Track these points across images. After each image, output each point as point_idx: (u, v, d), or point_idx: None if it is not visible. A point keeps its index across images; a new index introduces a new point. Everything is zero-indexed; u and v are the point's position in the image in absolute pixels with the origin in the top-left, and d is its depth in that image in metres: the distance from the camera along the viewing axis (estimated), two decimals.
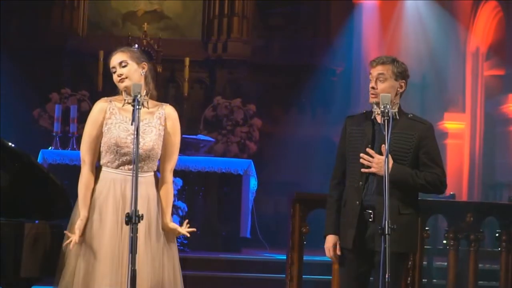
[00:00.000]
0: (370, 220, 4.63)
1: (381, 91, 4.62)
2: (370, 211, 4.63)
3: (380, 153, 4.58)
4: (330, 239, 4.79)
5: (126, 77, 4.66)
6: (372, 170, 4.58)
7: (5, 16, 12.75)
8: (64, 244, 4.58)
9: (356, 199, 4.66)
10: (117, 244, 4.55)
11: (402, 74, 4.72)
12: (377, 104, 4.57)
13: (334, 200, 4.81)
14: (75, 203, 4.71)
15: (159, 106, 4.76)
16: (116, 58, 4.72)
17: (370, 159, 4.59)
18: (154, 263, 4.61)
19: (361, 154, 4.60)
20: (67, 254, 4.62)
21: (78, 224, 4.58)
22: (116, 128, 4.64)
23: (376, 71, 4.70)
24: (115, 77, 4.70)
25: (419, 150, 4.67)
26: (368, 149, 4.61)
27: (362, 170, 4.60)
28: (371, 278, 4.83)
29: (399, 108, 4.67)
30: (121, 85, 4.68)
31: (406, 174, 4.61)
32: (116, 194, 4.61)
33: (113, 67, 4.72)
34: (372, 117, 4.73)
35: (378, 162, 4.56)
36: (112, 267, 4.53)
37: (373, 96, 4.69)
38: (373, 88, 4.69)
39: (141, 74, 4.70)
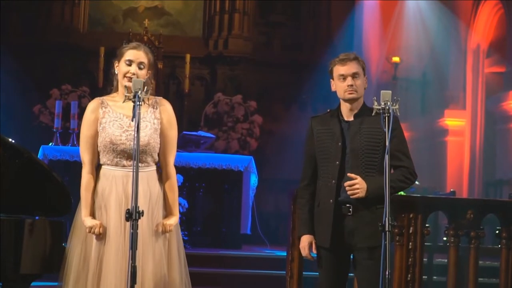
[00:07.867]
0: (349, 214, 4.62)
1: (358, 88, 4.68)
2: (349, 205, 4.62)
3: (351, 150, 4.60)
4: (305, 239, 4.77)
5: (137, 77, 4.62)
6: (359, 195, 4.56)
7: (6, 12, 12.75)
8: (91, 231, 4.56)
9: (330, 197, 4.66)
10: (121, 241, 4.55)
11: (364, 71, 4.76)
12: (347, 100, 4.66)
13: (306, 201, 4.80)
14: (75, 200, 4.71)
15: (152, 100, 4.73)
16: (137, 56, 4.68)
17: (354, 185, 4.57)
18: (155, 259, 4.60)
19: (345, 184, 4.58)
20: (71, 252, 4.62)
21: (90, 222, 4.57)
22: (110, 126, 4.64)
23: (351, 69, 4.69)
24: (125, 69, 4.65)
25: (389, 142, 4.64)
26: (349, 174, 4.61)
27: (352, 197, 4.57)
28: (350, 274, 4.83)
29: (364, 104, 4.71)
30: (126, 81, 4.64)
31: (382, 185, 4.50)
32: (118, 192, 4.60)
33: (130, 61, 4.66)
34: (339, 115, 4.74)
35: (361, 186, 4.56)
36: (117, 265, 4.53)
37: (351, 92, 4.70)
38: (351, 85, 4.69)
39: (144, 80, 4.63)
